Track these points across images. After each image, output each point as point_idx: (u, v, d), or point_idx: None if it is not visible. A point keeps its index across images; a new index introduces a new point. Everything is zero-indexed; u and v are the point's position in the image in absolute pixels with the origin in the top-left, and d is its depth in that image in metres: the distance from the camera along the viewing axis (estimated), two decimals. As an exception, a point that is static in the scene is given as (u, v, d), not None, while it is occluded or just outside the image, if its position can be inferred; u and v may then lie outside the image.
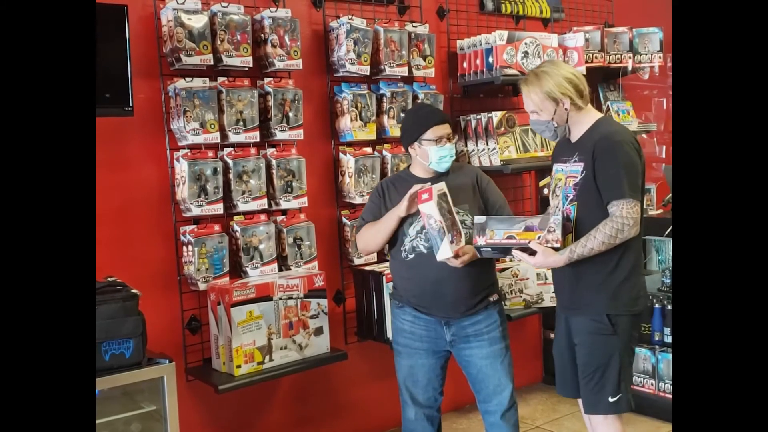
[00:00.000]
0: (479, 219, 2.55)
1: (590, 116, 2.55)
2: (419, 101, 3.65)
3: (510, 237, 2.47)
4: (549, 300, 3.84)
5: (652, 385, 3.86)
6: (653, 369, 3.86)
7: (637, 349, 3.80)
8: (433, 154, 2.73)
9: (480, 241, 2.51)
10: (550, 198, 2.67)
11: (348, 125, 3.44)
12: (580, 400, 2.64)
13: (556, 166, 2.64)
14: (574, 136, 2.57)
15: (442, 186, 2.63)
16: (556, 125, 2.53)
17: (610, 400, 2.48)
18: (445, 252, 2.52)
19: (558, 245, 2.40)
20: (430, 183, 2.63)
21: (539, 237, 2.42)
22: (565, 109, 2.50)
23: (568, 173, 2.53)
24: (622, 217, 2.37)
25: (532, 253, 2.44)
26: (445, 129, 2.74)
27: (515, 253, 2.47)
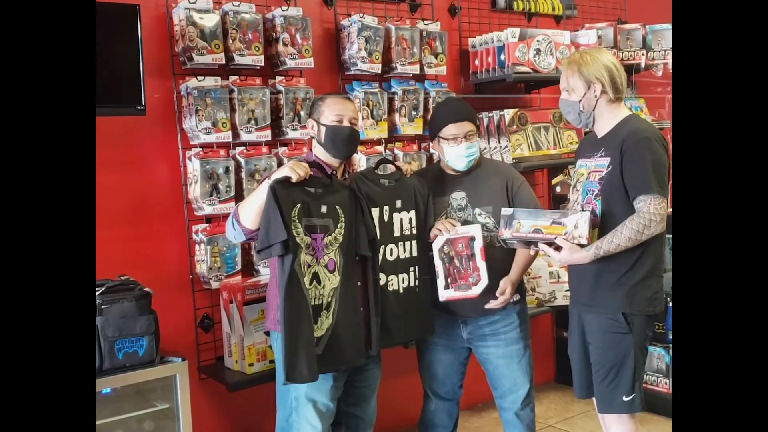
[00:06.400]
0: (506, 210, 2.54)
1: (620, 112, 2.53)
2: (435, 98, 3.63)
3: (537, 230, 2.46)
4: (562, 298, 3.83)
5: (666, 384, 3.83)
6: (667, 368, 3.83)
7: (651, 348, 3.78)
8: (448, 152, 2.73)
9: (506, 233, 2.50)
10: (570, 193, 2.66)
11: (359, 124, 3.44)
12: (594, 399, 2.63)
13: (579, 162, 2.62)
14: (601, 131, 2.56)
15: (469, 230, 2.63)
16: (581, 109, 2.52)
17: (625, 399, 2.47)
18: (439, 294, 2.66)
19: (585, 242, 2.39)
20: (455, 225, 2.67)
21: (566, 232, 2.41)
22: (595, 96, 2.49)
23: (592, 168, 2.52)
24: (649, 213, 2.34)
25: (558, 248, 2.43)
26: (462, 127, 2.71)
27: (541, 246, 2.47)
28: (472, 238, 2.61)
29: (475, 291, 2.61)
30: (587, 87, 2.49)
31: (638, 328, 2.46)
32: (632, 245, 2.37)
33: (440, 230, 2.64)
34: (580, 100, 2.51)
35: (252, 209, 2.36)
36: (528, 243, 2.52)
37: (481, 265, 2.60)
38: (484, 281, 2.60)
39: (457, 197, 2.77)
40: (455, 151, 2.71)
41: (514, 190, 2.76)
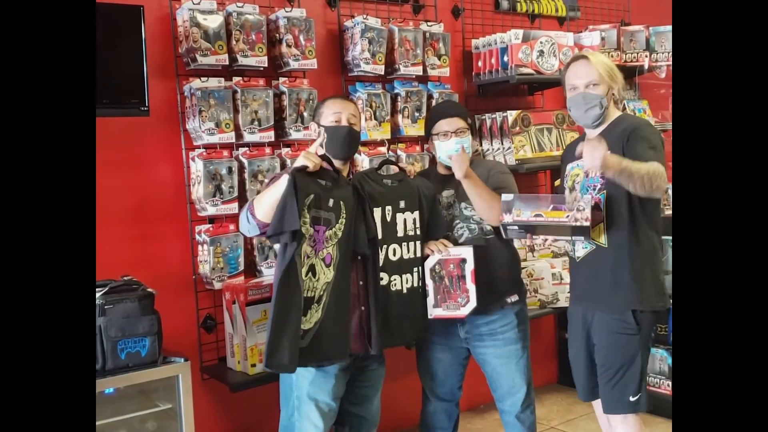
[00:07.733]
0: (506, 197, 2.50)
1: (613, 112, 2.58)
2: (438, 99, 3.64)
3: (538, 216, 2.43)
4: (564, 300, 3.82)
5: (668, 386, 3.83)
6: (669, 370, 3.82)
7: (654, 350, 3.78)
8: (439, 148, 2.77)
9: (507, 218, 2.47)
10: (567, 195, 2.64)
11: (362, 125, 3.44)
12: (594, 402, 2.63)
13: (570, 165, 2.62)
14: (594, 131, 2.56)
15: (461, 252, 2.63)
16: (605, 104, 2.52)
17: (631, 399, 2.47)
18: (428, 312, 2.67)
19: (587, 223, 2.34)
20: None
21: (568, 216, 2.37)
22: (612, 93, 2.54)
23: None
24: (656, 166, 2.28)
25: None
26: (453, 123, 2.75)
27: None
28: (464, 260, 2.62)
29: (463, 311, 2.63)
30: (610, 83, 2.53)
31: (645, 327, 2.46)
32: (641, 185, 2.26)
33: (432, 250, 2.66)
34: (606, 95, 2.53)
35: (269, 203, 2.35)
36: (528, 228, 2.46)
37: (471, 287, 2.61)
38: (472, 303, 2.62)
39: (446, 195, 2.79)
40: (446, 147, 2.73)
41: (491, 174, 2.76)
